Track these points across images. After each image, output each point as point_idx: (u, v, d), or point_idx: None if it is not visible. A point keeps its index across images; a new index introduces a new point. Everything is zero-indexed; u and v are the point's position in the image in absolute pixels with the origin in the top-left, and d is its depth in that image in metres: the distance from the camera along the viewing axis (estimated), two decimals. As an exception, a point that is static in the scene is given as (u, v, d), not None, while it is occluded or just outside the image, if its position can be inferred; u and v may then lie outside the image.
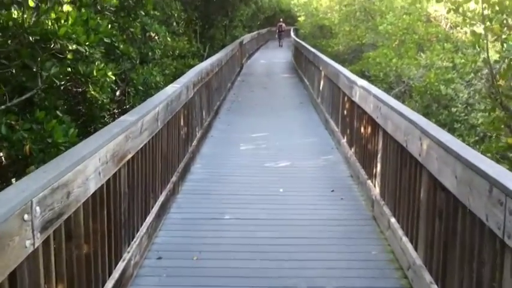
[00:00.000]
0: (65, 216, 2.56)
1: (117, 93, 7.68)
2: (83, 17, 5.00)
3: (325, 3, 27.23)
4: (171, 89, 5.64)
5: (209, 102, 9.56)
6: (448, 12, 6.98)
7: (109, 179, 3.35)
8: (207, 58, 15.24)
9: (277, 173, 6.98)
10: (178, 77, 7.37)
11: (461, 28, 13.80)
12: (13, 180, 4.91)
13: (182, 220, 5.21)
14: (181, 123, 6.39)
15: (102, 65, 5.44)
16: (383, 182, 5.10)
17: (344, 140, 7.68)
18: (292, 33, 33.88)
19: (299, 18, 35.86)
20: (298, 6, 37.25)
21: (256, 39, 34.92)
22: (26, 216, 2.10)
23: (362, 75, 15.80)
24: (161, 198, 5.02)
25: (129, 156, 3.77)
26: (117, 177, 3.56)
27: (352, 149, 6.94)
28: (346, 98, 7.66)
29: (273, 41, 43.75)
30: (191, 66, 11.23)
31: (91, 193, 2.95)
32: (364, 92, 6.00)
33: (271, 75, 20.83)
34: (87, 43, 4.86)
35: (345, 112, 7.75)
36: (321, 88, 11.34)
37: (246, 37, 26.41)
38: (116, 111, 7.59)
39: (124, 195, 3.75)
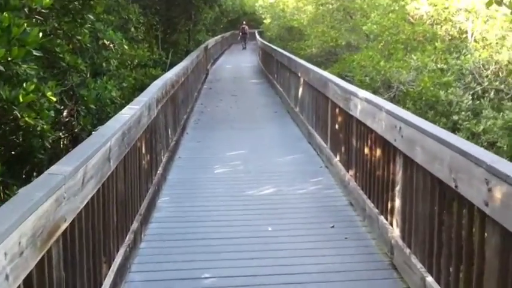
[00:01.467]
0: None
1: (64, 113, 6.37)
2: (3, 23, 3.69)
3: (291, 4, 26.24)
4: (128, 112, 4.38)
5: (175, 117, 8.32)
6: (489, 5, 5.88)
7: (31, 272, 2.11)
8: (170, 66, 13.97)
9: (261, 204, 5.77)
10: (139, 90, 6.22)
11: (444, 24, 12.93)
12: None
13: (147, 284, 3.97)
14: (143, 152, 5.14)
15: (33, 86, 4.13)
16: (407, 224, 3.95)
17: (337, 159, 6.54)
18: (257, 36, 32.84)
19: (264, 21, 34.85)
20: (263, 8, 36.18)
21: (221, 43, 33.78)
22: None
23: (341, 78, 14.77)
24: (118, 260, 3.77)
25: (65, 225, 2.53)
26: (45, 263, 2.32)
27: (351, 172, 5.81)
28: (337, 110, 6.53)
29: (236, 45, 43.22)
30: (153, 77, 10.02)
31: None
32: (370, 106, 4.86)
33: (240, 80, 19.65)
34: (10, 58, 3.56)
35: (337, 126, 6.62)
36: (299, 96, 10.21)
37: (211, 41, 25.21)
38: (63, 136, 6.26)
39: (59, 282, 2.51)
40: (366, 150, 5.15)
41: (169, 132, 7.50)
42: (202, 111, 12.28)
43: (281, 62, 13.94)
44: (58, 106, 5.71)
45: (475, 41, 11.48)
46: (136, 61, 9.31)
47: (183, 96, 9.83)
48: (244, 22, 43.53)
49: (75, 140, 6.42)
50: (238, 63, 27.80)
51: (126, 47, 8.08)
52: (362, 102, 5.18)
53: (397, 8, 13.30)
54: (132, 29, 9.48)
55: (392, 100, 10.67)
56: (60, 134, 6.23)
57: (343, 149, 6.25)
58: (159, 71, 10.62)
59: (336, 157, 6.61)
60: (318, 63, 17.47)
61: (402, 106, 9.86)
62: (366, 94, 5.28)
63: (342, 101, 6.13)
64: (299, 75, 10.09)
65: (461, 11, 11.75)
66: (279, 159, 7.76)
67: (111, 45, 7.62)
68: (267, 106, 13.11)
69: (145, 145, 5.27)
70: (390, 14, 12.73)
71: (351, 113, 5.67)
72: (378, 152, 4.73)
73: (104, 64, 7.49)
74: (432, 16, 12.65)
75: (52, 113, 5.30)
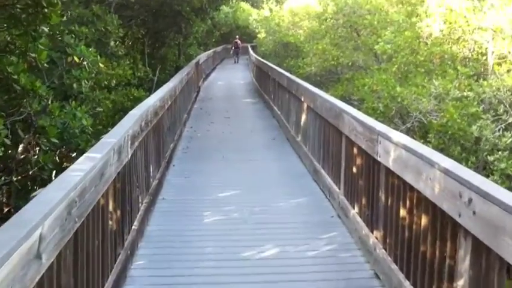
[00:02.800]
0: None
1: (20, 149, 5.08)
2: None
3: (287, 19, 25.12)
4: (83, 167, 3.12)
5: (159, 149, 7.07)
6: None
7: None
8: (158, 84, 12.74)
9: (262, 273, 4.53)
10: (122, 111, 5.02)
11: (458, 44, 11.74)
12: None
13: None
14: (110, 209, 3.89)
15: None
16: None
17: (355, 211, 5.32)
18: (250, 51, 31.75)
19: (258, 35, 33.70)
20: (258, 22, 35.04)
21: (213, 58, 32.63)
22: None
23: (344, 101, 13.59)
24: None
25: None
26: None
27: (377, 233, 4.57)
28: (356, 150, 5.32)
29: (228, 59, 42.55)
30: (135, 99, 8.78)
31: None
32: (413, 157, 3.64)
33: (233, 100, 18.43)
34: None
35: (355, 170, 5.40)
36: (302, 123, 9.00)
37: (202, 56, 24.01)
38: (15, 178, 4.97)
39: None
40: (403, 213, 3.92)
41: (151, 170, 6.24)
42: (191, 136, 11.03)
43: (279, 82, 12.75)
44: (7, 141, 4.46)
45: (498, 63, 10.35)
46: (115, 81, 8.04)
47: (170, 122, 8.59)
48: (237, 36, 43.26)
49: (32, 182, 5.19)
50: (231, 79, 26.61)
51: (101, 64, 6.83)
52: (398, 148, 3.96)
53: (406, 24, 12.13)
54: (112, 43, 8.27)
55: (409, 132, 9.46)
56: (13, 177, 4.94)
57: (364, 200, 5.02)
58: (141, 92, 9.41)
59: (354, 208, 5.38)
60: (317, 83, 16.33)
61: (422, 139, 8.66)
62: (404, 138, 4.05)
63: (364, 141, 4.91)
64: (302, 99, 8.89)
65: (479, 29, 10.64)
66: (280, 203, 6.52)
67: (85, 63, 6.39)
68: (264, 131, 11.89)
69: (114, 200, 4.03)
70: (406, 32, 11.48)
71: (378, 159, 4.45)
72: (425, 220, 3.51)
73: (74, 85, 6.25)
74: (445, 35, 11.49)
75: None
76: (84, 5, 8.18)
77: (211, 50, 33.66)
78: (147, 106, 5.88)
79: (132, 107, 6.75)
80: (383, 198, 4.40)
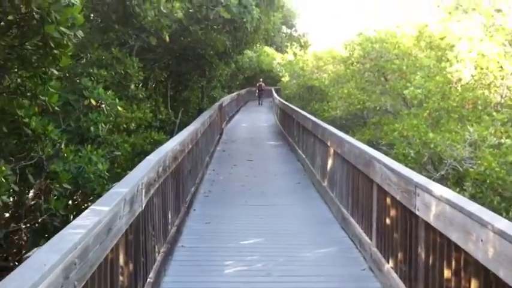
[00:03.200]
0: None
1: (30, 195, 4.79)
2: None
3: (311, 63, 24.99)
4: (86, 222, 2.77)
5: (178, 195, 6.73)
6: None
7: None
8: (180, 126, 12.54)
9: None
10: (142, 155, 4.74)
11: (488, 89, 11.32)
12: None
13: None
14: (121, 264, 3.53)
15: None
16: None
17: (389, 266, 4.87)
18: (274, 94, 31.66)
19: (282, 78, 33.71)
20: (282, 66, 35.06)
21: (236, 100, 32.58)
22: None
23: (372, 146, 13.19)
24: None
25: None
26: None
27: (416, 294, 4.11)
28: (390, 201, 4.90)
29: (252, 101, 42.83)
30: (155, 142, 8.52)
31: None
32: (460, 214, 3.22)
33: (256, 142, 18.12)
34: None
35: (389, 221, 4.97)
36: (328, 168, 8.60)
37: (226, 99, 23.93)
38: (24, 226, 4.65)
39: None
40: (447, 274, 3.49)
41: (169, 217, 5.90)
42: (214, 179, 10.69)
43: (303, 126, 12.42)
44: (15, 186, 4.17)
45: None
46: (134, 124, 7.80)
47: (191, 165, 8.28)
48: (261, 79, 43.86)
49: (43, 230, 4.88)
50: (255, 121, 26.43)
51: (120, 107, 6.61)
52: (440, 203, 3.55)
53: (436, 68, 11.77)
54: (132, 86, 8.08)
55: (442, 179, 8.94)
56: (21, 224, 4.64)
57: (400, 255, 4.58)
58: (162, 135, 9.15)
59: (388, 263, 4.92)
60: (342, 126, 15.97)
61: (457, 188, 8.18)
62: (447, 192, 3.63)
63: (399, 192, 4.50)
64: (328, 144, 8.53)
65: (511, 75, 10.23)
66: (307, 253, 6.08)
67: (103, 106, 6.16)
68: (288, 175, 11.50)
69: (126, 253, 3.67)
70: (437, 77, 11.09)
71: (416, 212, 4.04)
72: (475, 285, 3.07)
73: (91, 129, 6.01)
74: (476, 80, 11.09)
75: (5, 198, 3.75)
76: (105, 48, 8.06)
77: (235, 93, 33.70)
78: (165, 151, 5.57)
79: (152, 150, 6.47)
80: (423, 255, 3.96)
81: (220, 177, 10.99)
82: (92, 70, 6.73)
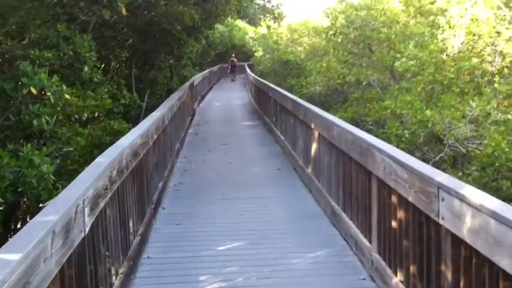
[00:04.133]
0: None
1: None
2: None
3: (285, 36, 23.92)
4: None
5: (143, 196, 5.77)
6: None
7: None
8: (146, 110, 11.48)
9: None
10: (99, 149, 3.80)
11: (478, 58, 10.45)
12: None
13: None
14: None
15: None
16: None
17: (397, 280, 4.01)
18: (247, 70, 30.60)
19: (255, 53, 32.56)
20: (254, 40, 33.85)
21: (208, 78, 31.42)
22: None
23: (356, 124, 12.33)
24: None
25: None
26: None
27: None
28: (396, 200, 4.04)
29: (225, 78, 41.89)
30: (115, 132, 7.50)
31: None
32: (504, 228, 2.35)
33: (230, 123, 17.16)
34: None
35: (394, 224, 4.10)
36: (312, 153, 7.72)
37: (197, 77, 22.82)
38: None
39: None
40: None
41: (131, 227, 4.94)
42: (185, 169, 9.72)
43: (281, 104, 11.50)
44: None
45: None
46: (87, 114, 6.69)
47: (158, 157, 7.30)
48: (233, 55, 42.94)
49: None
50: (228, 100, 25.40)
51: (67, 95, 5.52)
52: (481, 216, 2.66)
53: (428, 37, 10.79)
54: (86, 69, 6.98)
55: (442, 162, 8.08)
56: None
57: (413, 269, 3.72)
58: (123, 124, 8.12)
59: (396, 275, 4.07)
60: (321, 103, 15.07)
61: (460, 172, 7.35)
62: (489, 200, 2.73)
63: (412, 192, 3.62)
64: (312, 126, 7.62)
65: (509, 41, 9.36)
66: (295, 259, 5.20)
67: (49, 94, 5.13)
68: (266, 159, 10.60)
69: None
70: (431, 46, 10.09)
71: (440, 221, 3.16)
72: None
73: (34, 122, 4.99)
74: (468, 49, 10.20)
75: None
76: (52, 25, 6.89)
77: (207, 70, 32.54)
78: (121, 148, 4.58)
79: (112, 143, 5.48)
80: (449, 275, 3.10)
81: (193, 166, 10.03)
82: (33, 52, 5.66)
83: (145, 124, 6.22)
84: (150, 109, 10.39)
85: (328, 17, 15.06)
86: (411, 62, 9.95)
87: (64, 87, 5.39)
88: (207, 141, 13.05)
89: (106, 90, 8.18)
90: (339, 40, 14.72)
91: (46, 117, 5.03)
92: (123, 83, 11.57)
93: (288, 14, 39.18)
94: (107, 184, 3.83)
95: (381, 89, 12.72)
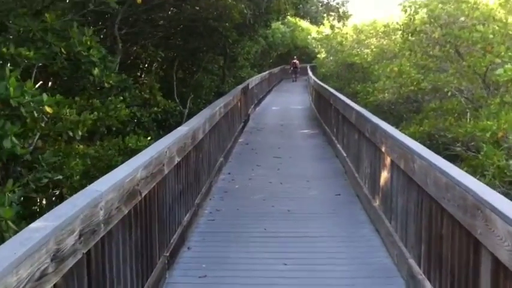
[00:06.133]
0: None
1: None
2: None
3: (351, 37, 22.02)
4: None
5: (147, 244, 4.27)
6: None
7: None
8: (189, 117, 10.05)
9: None
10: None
11: None
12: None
13: None
14: None
15: None
16: None
17: None
18: (309, 72, 28.90)
19: (318, 55, 30.73)
20: (317, 41, 31.99)
21: (268, 80, 29.92)
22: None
23: (434, 143, 10.43)
24: None
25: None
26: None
27: None
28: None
29: (286, 80, 41.76)
30: (132, 151, 6.08)
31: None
32: None
33: (287, 130, 15.54)
34: None
35: None
36: (382, 183, 6.00)
37: (254, 79, 21.29)
38: None
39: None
40: None
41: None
42: (226, 190, 8.20)
43: (343, 115, 9.80)
44: None
45: None
46: (80, 131, 5.17)
47: (184, 185, 5.80)
48: (295, 57, 43.31)
49: None
50: (287, 104, 23.81)
51: (48, 108, 4.04)
52: None
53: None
54: (96, 72, 5.54)
55: None
56: None
57: None
58: (142, 141, 6.65)
59: None
60: (390, 112, 13.20)
61: None
62: None
63: None
64: (382, 149, 5.91)
65: None
66: None
67: (23, 109, 3.70)
68: (324, 179, 8.93)
69: None
70: None
71: None
72: None
73: (4, 144, 3.61)
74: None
75: None
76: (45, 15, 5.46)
77: (267, 72, 31.05)
78: (90, 199, 3.02)
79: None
80: None
81: (236, 186, 8.49)
82: (5, 50, 4.27)
83: (159, 147, 4.65)
84: (194, 115, 8.92)
85: (405, 11, 12.89)
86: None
87: (44, 96, 3.99)
88: (258, 153, 11.51)
89: (121, 98, 6.67)
90: (419, 40, 12.55)
91: (12, 138, 3.62)
92: (157, 87, 10.13)
93: (353, 13, 37.38)
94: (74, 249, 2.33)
95: (471, 101, 10.62)
